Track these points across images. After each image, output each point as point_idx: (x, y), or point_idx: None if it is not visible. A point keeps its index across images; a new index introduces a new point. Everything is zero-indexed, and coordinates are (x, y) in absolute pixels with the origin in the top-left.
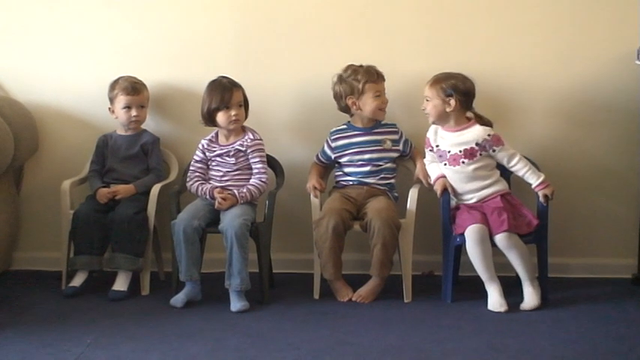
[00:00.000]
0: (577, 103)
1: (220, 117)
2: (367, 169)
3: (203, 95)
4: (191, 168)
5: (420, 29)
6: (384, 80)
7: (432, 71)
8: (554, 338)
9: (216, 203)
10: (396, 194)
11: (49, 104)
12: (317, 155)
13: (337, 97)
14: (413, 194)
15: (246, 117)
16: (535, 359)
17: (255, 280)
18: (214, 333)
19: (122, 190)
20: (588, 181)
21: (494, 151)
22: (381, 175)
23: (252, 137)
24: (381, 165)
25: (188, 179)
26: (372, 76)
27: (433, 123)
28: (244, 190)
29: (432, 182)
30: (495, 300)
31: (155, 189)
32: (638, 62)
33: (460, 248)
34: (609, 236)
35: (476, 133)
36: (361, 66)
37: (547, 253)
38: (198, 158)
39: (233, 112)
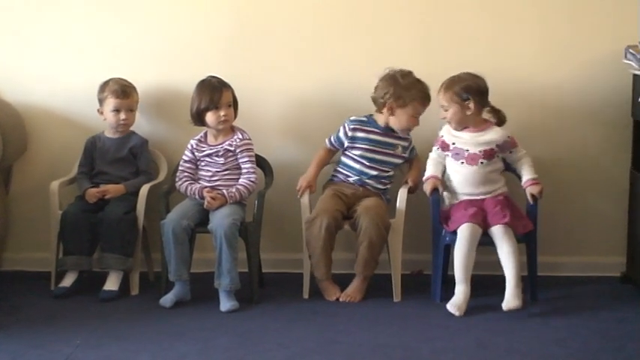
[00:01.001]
0: (567, 102)
1: (209, 117)
2: (374, 172)
3: (192, 95)
4: (180, 168)
5: (414, 29)
6: (428, 105)
7: (425, 71)
8: (544, 337)
9: (206, 203)
10: (388, 197)
11: (37, 105)
12: (329, 139)
13: (379, 90)
14: (402, 194)
15: (235, 117)
16: (524, 358)
17: (244, 279)
18: (204, 333)
19: (112, 189)
20: (578, 180)
21: (511, 152)
22: (382, 180)
23: (241, 137)
24: (386, 171)
25: (177, 179)
26: (423, 98)
27: (455, 129)
28: (233, 190)
29: (423, 180)
30: (457, 302)
31: (144, 189)
32: (625, 61)
33: (450, 247)
34: (598, 234)
35: (496, 134)
36: (420, 82)
37: (536, 252)
38: (187, 158)
39: (222, 113)
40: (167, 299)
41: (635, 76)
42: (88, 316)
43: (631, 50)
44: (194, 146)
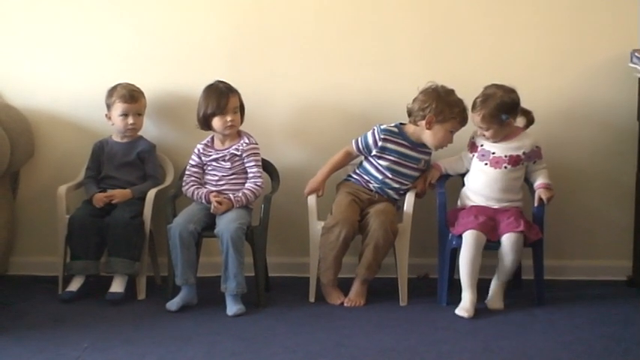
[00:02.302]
0: (572, 105)
1: (216, 122)
2: (395, 185)
3: (199, 100)
4: (187, 172)
5: (417, 34)
6: (464, 125)
7: (430, 76)
8: (550, 340)
9: (212, 207)
10: (399, 204)
11: (44, 109)
12: (356, 141)
13: (420, 102)
14: (410, 198)
15: (242, 122)
16: None
17: (250, 283)
18: (210, 336)
19: (119, 194)
20: (584, 184)
21: (534, 162)
22: (401, 191)
23: (247, 141)
24: (406, 184)
25: (184, 183)
26: (462, 120)
27: (494, 142)
28: (240, 195)
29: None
30: (464, 306)
31: (151, 193)
32: (631, 65)
33: (456, 251)
34: (604, 238)
35: (524, 141)
36: (462, 101)
37: (543, 256)
38: (194, 162)
39: (229, 118)
40: (173, 303)
41: None
42: (95, 320)
43: (637, 54)
44: (201, 151)
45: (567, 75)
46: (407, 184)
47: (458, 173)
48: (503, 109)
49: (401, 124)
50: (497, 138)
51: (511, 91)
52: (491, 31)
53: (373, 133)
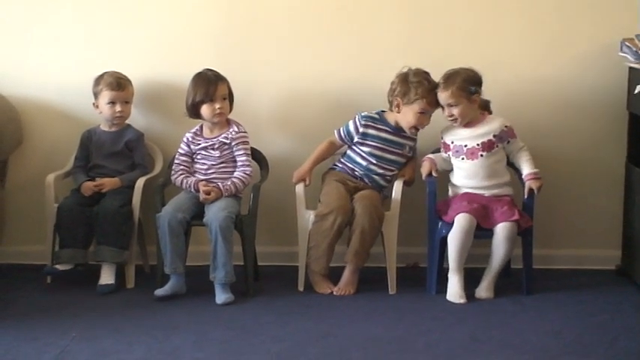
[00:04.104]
0: (562, 94)
1: (204, 110)
2: (380, 171)
3: (188, 88)
4: (176, 161)
5: (406, 23)
6: (437, 107)
7: (414, 64)
8: (539, 329)
9: (201, 196)
10: (386, 193)
11: (32, 98)
12: (338, 130)
13: (391, 88)
14: (398, 186)
15: (230, 110)
16: (519, 350)
17: (239, 272)
18: (198, 325)
19: (108, 183)
20: (573, 173)
21: (508, 142)
22: (386, 177)
23: (236, 130)
24: (392, 170)
25: (173, 172)
26: (430, 98)
27: (460, 125)
28: (229, 183)
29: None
30: (455, 291)
31: (140, 182)
32: (621, 54)
33: (445, 240)
34: (594, 227)
35: (492, 124)
36: (429, 81)
37: (532, 245)
38: (182, 151)
39: (217, 106)
40: (162, 291)
41: (630, 68)
42: (83, 309)
43: (627, 43)
44: (190, 139)
45: (557, 63)
46: (393, 170)
47: (446, 170)
48: (470, 81)
49: (382, 111)
50: (466, 118)
51: (471, 69)
52: (479, 18)
53: (354, 121)
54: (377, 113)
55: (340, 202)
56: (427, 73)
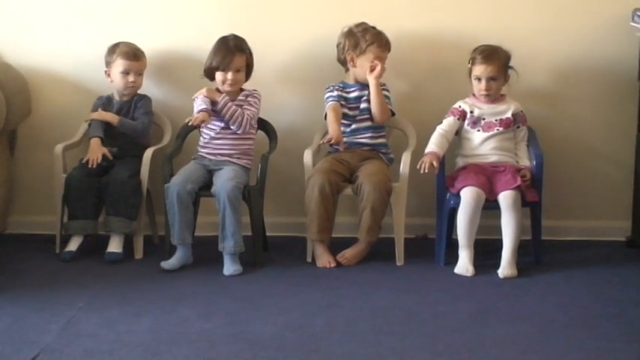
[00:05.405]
0: (573, 65)
1: (218, 76)
2: (354, 126)
3: (211, 49)
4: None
5: None
6: (389, 51)
7: (426, 30)
8: (546, 302)
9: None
10: (391, 156)
11: (41, 68)
12: (329, 98)
13: (339, 47)
14: (406, 158)
15: (246, 81)
16: (526, 322)
17: (248, 243)
18: (206, 296)
19: (108, 116)
20: (582, 144)
21: (518, 127)
22: (368, 134)
23: (249, 91)
24: (363, 120)
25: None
26: (380, 41)
27: (486, 102)
28: (234, 107)
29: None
30: (464, 264)
31: (148, 152)
32: (632, 24)
33: (454, 211)
34: (603, 199)
35: (511, 105)
36: (374, 28)
37: (541, 216)
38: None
39: (229, 76)
40: (169, 263)
41: None
42: (91, 279)
43: (638, 13)
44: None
45: (567, 34)
46: (363, 120)
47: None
48: (509, 60)
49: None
50: (497, 94)
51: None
52: None
53: (330, 89)
54: (339, 83)
55: (322, 166)
56: (366, 23)
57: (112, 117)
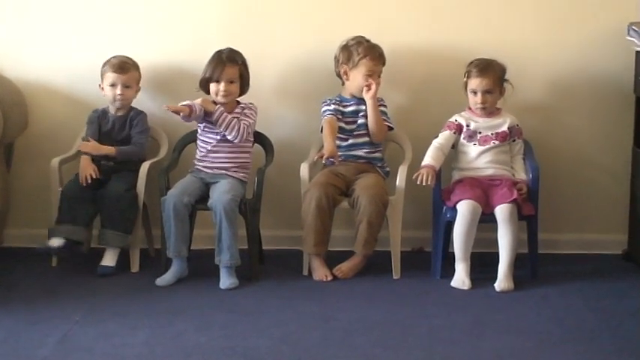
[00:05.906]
0: (568, 77)
1: (211, 88)
2: (361, 140)
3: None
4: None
5: (412, 1)
6: (383, 64)
7: (422, 44)
8: (543, 315)
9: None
10: (387, 169)
11: (38, 81)
12: (325, 112)
13: (335, 60)
14: (402, 171)
15: (243, 93)
16: (523, 336)
17: (245, 256)
18: (202, 310)
19: (104, 149)
20: (579, 157)
21: (514, 141)
22: (364, 148)
23: (245, 104)
24: (361, 135)
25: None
26: (373, 54)
27: (482, 116)
28: (230, 117)
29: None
30: (460, 278)
31: (145, 166)
32: (628, 38)
33: (451, 224)
34: (600, 212)
35: (507, 119)
36: (368, 41)
37: (537, 229)
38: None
39: (222, 87)
40: (164, 279)
41: (637, 52)
42: (87, 293)
43: (634, 27)
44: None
45: (564, 47)
46: (361, 136)
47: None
48: (504, 74)
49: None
50: (492, 107)
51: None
52: (487, 1)
53: (327, 102)
54: (336, 96)
55: (319, 180)
56: (362, 37)
57: (108, 150)
